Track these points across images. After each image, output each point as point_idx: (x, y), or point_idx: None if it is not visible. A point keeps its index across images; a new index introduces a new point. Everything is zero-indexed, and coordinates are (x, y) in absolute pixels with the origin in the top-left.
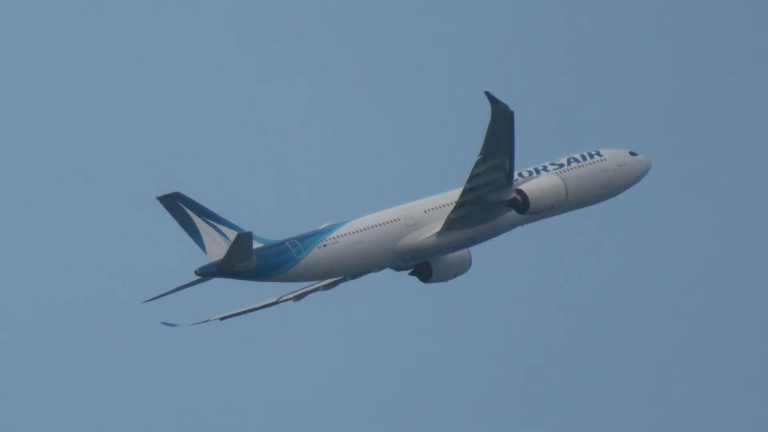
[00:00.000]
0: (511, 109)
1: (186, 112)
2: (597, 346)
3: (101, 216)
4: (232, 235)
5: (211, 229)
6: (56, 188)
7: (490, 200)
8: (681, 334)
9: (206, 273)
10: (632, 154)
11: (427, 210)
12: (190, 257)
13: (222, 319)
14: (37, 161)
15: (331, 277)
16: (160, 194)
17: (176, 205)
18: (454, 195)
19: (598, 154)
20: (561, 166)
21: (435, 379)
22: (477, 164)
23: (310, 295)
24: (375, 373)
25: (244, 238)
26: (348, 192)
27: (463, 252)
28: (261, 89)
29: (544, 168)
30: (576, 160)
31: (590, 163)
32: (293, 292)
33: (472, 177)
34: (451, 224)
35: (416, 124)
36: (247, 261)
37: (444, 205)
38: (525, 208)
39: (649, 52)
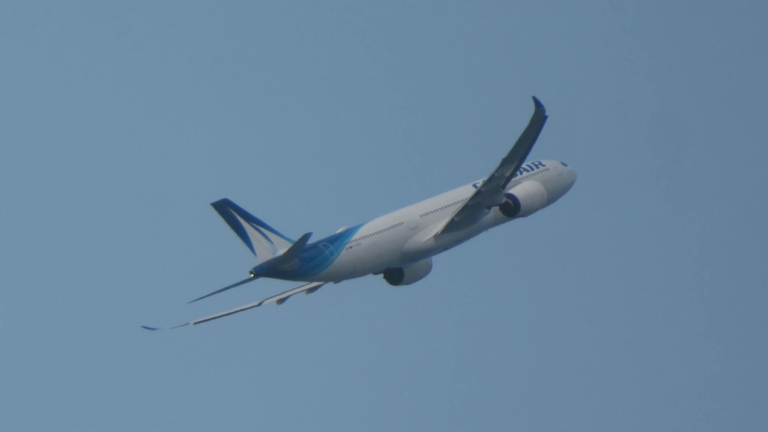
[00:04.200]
0: (546, 114)
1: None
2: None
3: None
4: (276, 239)
5: (257, 233)
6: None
7: (484, 204)
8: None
9: (260, 272)
10: (563, 164)
11: (422, 214)
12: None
13: (196, 324)
14: (100, 169)
15: (355, 276)
16: (212, 201)
17: (226, 210)
18: (441, 199)
19: (541, 164)
20: (514, 174)
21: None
22: (500, 167)
23: (291, 298)
24: (353, 370)
25: (305, 238)
26: (338, 196)
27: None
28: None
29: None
30: (525, 169)
31: (540, 172)
32: (275, 296)
33: (490, 179)
34: (449, 227)
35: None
36: (292, 261)
37: (436, 210)
38: (515, 212)
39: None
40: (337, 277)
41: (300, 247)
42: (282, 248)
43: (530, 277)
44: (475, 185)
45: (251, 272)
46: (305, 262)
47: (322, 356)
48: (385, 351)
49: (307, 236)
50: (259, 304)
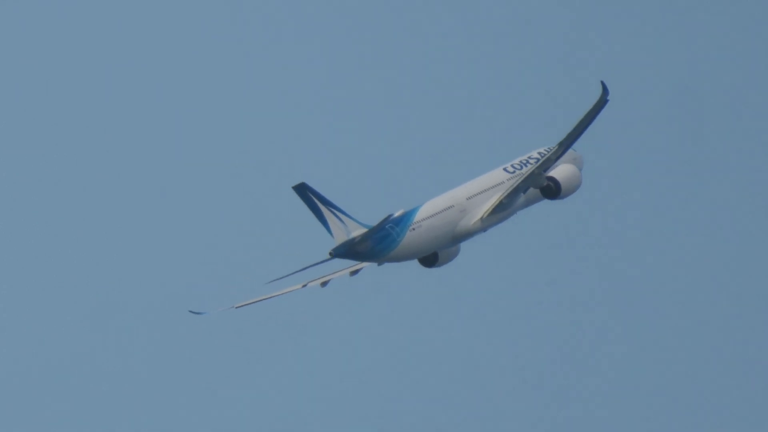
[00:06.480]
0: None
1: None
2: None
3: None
4: (348, 221)
5: (333, 216)
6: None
7: (527, 186)
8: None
9: (338, 253)
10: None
11: (468, 197)
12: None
13: (239, 307)
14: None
15: (416, 257)
16: (293, 184)
17: (305, 193)
18: (481, 182)
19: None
20: (537, 159)
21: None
22: (557, 149)
23: (334, 280)
24: (398, 351)
25: (386, 220)
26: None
27: None
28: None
29: (527, 160)
30: (542, 154)
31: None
32: (319, 278)
33: (546, 161)
34: (494, 209)
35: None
36: (367, 242)
37: (478, 193)
38: (556, 194)
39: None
40: (401, 258)
41: (379, 228)
42: (354, 230)
43: (553, 260)
44: (505, 169)
45: (330, 253)
46: (376, 243)
47: (365, 337)
48: (426, 331)
49: (388, 218)
50: (303, 286)
